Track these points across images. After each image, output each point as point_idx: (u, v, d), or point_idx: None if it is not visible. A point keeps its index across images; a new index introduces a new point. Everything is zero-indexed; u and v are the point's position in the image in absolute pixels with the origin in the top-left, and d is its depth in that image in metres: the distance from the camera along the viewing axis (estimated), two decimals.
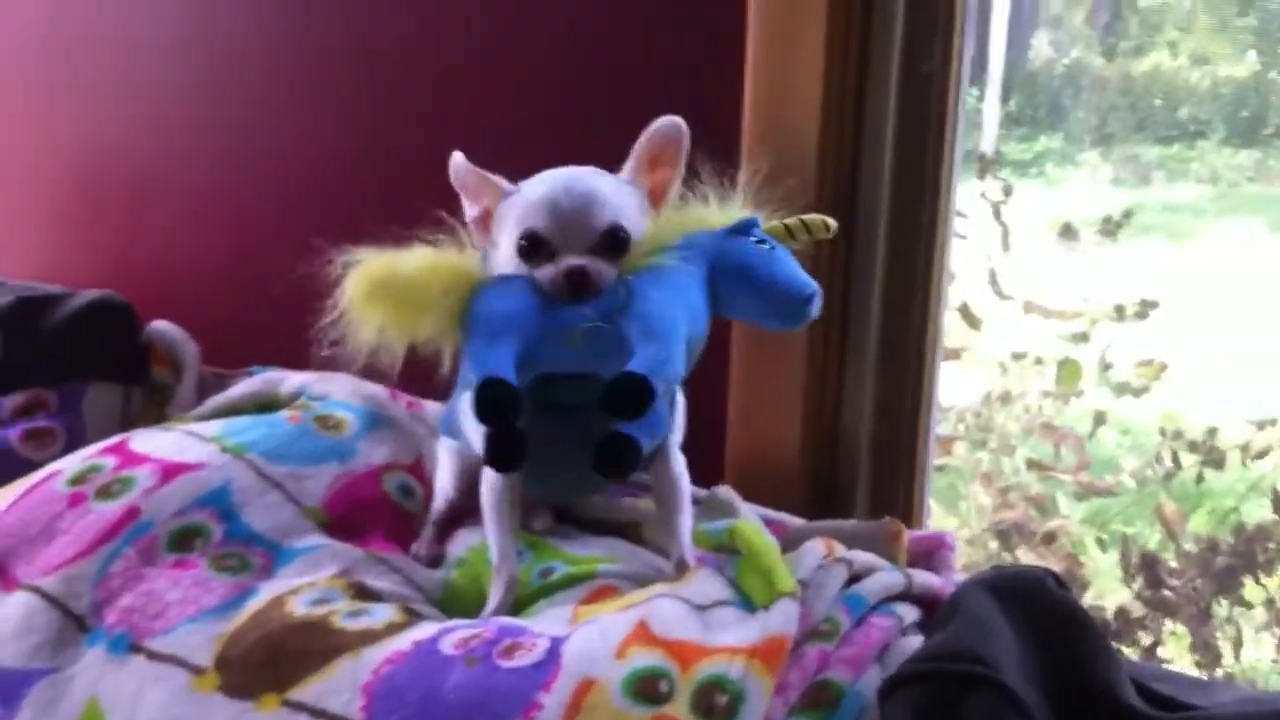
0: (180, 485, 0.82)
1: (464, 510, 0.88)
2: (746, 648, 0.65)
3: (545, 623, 0.73)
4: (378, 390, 0.97)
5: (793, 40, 0.93)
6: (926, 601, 0.77)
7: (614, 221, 0.73)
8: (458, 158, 0.77)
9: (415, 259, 0.73)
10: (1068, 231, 1.43)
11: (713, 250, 0.74)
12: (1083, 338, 1.40)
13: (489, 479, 0.80)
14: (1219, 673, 1.25)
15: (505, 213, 0.75)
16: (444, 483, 0.89)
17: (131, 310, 1.10)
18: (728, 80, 0.95)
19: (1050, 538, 1.32)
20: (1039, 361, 1.43)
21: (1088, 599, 1.29)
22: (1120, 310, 1.38)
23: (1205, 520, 1.38)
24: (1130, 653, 1.24)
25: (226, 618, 0.73)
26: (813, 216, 0.80)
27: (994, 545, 1.38)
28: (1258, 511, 1.32)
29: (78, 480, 0.83)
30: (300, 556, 0.80)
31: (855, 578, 0.75)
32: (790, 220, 0.79)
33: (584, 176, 0.75)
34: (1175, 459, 1.35)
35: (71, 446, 0.93)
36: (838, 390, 0.99)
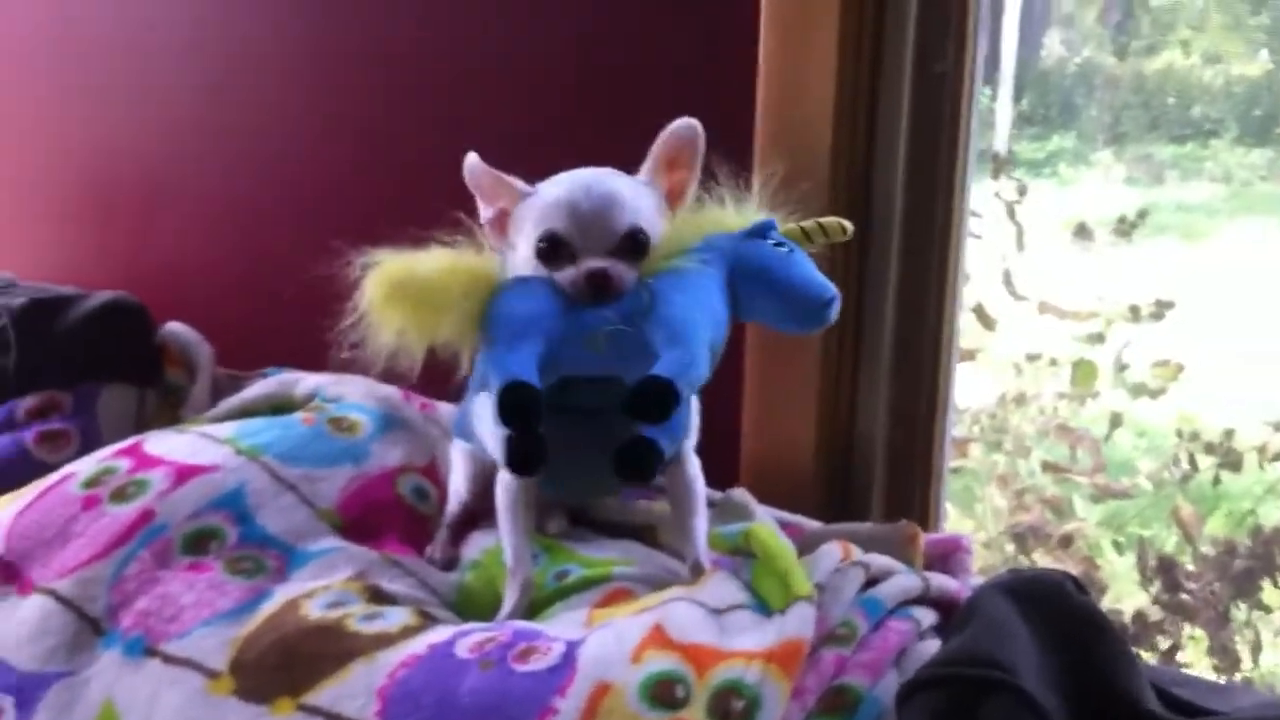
0: (195, 488, 0.82)
1: (478, 513, 0.87)
2: (763, 652, 0.65)
3: (560, 626, 0.73)
4: (391, 392, 0.97)
5: (805, 40, 0.92)
6: (944, 605, 0.76)
7: (634, 223, 0.73)
8: (472, 158, 0.77)
9: (434, 261, 0.73)
10: (1082, 231, 1.42)
11: (731, 253, 0.74)
12: (1098, 338, 1.39)
13: (504, 481, 0.80)
14: (1237, 677, 1.24)
15: (523, 214, 0.75)
16: (458, 485, 0.89)
17: (145, 312, 1.10)
18: (740, 82, 0.95)
19: (1067, 540, 1.31)
20: (1054, 363, 1.42)
21: (1105, 602, 1.28)
22: (1136, 311, 1.37)
23: (1222, 523, 1.37)
24: (1148, 657, 1.24)
25: (241, 621, 0.73)
26: (829, 219, 0.79)
27: (1010, 548, 1.37)
28: (1275, 514, 1.31)
29: (92, 483, 0.83)
30: (315, 559, 0.80)
31: (872, 581, 0.75)
32: (807, 223, 0.79)
33: (603, 178, 0.75)
34: (1192, 461, 1.34)
35: (86, 449, 0.93)
36: (852, 393, 0.99)
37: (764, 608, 0.71)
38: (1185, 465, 1.34)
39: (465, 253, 0.75)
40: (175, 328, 1.11)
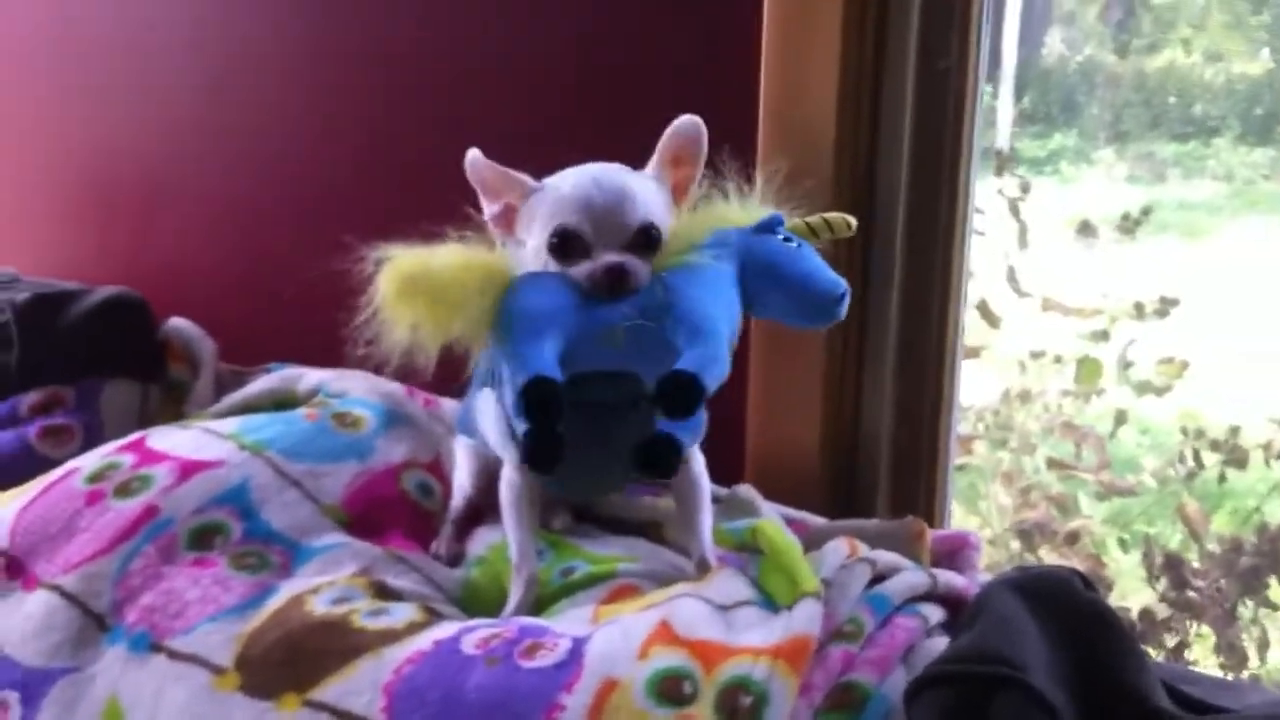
0: (199, 483, 0.82)
1: (483, 508, 0.87)
2: (770, 648, 0.65)
3: (566, 623, 0.73)
4: (395, 388, 0.97)
5: (808, 36, 0.92)
6: (951, 602, 0.76)
7: (647, 219, 0.73)
8: (475, 154, 0.76)
9: (448, 256, 0.72)
10: (1086, 229, 1.42)
11: (742, 248, 0.74)
12: (1103, 336, 1.39)
13: (508, 478, 0.80)
14: (1244, 674, 1.24)
15: (532, 209, 0.75)
16: (462, 481, 0.89)
17: (148, 307, 1.10)
18: (742, 78, 0.95)
19: (1073, 538, 1.31)
20: (1058, 360, 1.42)
21: (1111, 600, 1.28)
22: (1140, 308, 1.37)
23: (1227, 520, 1.36)
24: (1155, 654, 1.23)
25: (246, 617, 0.73)
26: (834, 215, 0.79)
27: (1016, 545, 1.37)
28: None
29: (96, 478, 0.83)
30: (320, 555, 0.80)
31: (879, 578, 0.75)
32: (812, 218, 0.79)
33: (614, 173, 0.75)
34: (1197, 458, 1.33)
35: (89, 444, 0.93)
36: (857, 389, 0.98)
37: (771, 604, 0.71)
38: (1190, 463, 1.34)
39: (477, 248, 0.74)
40: (178, 323, 1.11)
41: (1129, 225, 1.40)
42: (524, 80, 1.07)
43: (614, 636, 0.68)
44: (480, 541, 0.85)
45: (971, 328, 1.20)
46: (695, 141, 0.77)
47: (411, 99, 1.13)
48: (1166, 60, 1.50)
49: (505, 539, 0.80)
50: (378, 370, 0.72)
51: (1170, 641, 1.26)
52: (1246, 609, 1.26)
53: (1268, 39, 1.51)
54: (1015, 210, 1.39)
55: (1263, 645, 1.26)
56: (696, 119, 0.76)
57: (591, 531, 0.87)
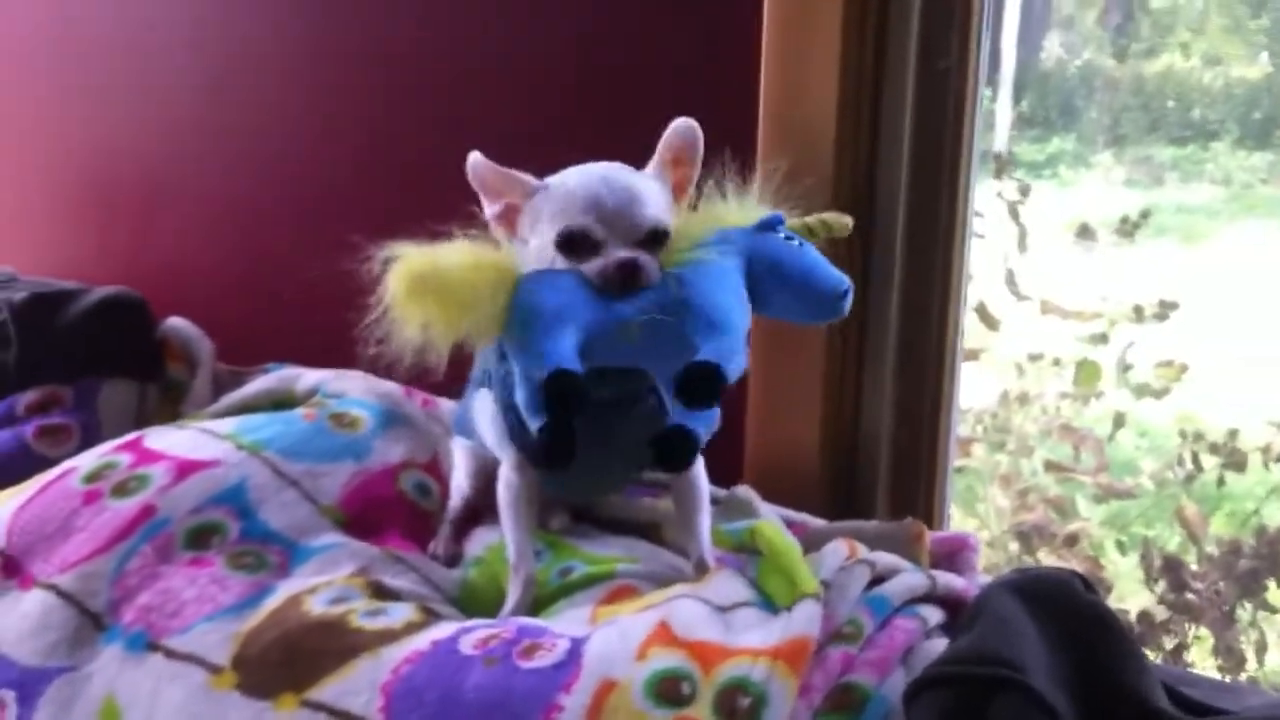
0: (196, 483, 0.82)
1: (481, 508, 0.87)
2: (769, 649, 0.65)
3: (565, 623, 0.73)
4: (393, 388, 0.97)
5: (808, 36, 0.92)
6: (951, 603, 0.76)
7: (656, 217, 0.74)
8: (476, 156, 0.76)
9: (459, 255, 0.71)
10: (1085, 232, 1.42)
11: (747, 246, 0.74)
12: (1101, 339, 1.39)
13: (505, 478, 0.80)
14: (1242, 677, 1.24)
15: (538, 208, 0.75)
16: (459, 481, 0.89)
17: (146, 306, 1.10)
18: (743, 79, 0.95)
19: (1072, 540, 1.31)
20: (1057, 363, 1.42)
21: (1109, 602, 1.27)
22: (1139, 311, 1.37)
23: (1225, 523, 1.37)
24: (1154, 657, 1.23)
25: (243, 617, 0.73)
26: (831, 215, 0.80)
27: (1014, 547, 1.37)
28: (1279, 514, 1.30)
29: (93, 477, 0.83)
30: (317, 555, 0.79)
31: (878, 579, 0.75)
32: (810, 219, 0.79)
33: (621, 172, 0.75)
34: (1196, 461, 1.33)
35: (87, 443, 0.93)
36: (857, 391, 0.98)
37: (770, 605, 0.71)
38: (1189, 465, 1.34)
39: (485, 246, 0.74)
40: (176, 323, 1.11)
41: (1128, 228, 1.41)
42: (524, 80, 1.07)
43: (612, 637, 0.67)
44: (478, 542, 0.85)
45: (970, 330, 1.20)
46: (693, 143, 0.77)
47: (411, 99, 1.13)
48: (1165, 64, 1.51)
49: (503, 539, 0.80)
50: (388, 371, 0.71)
51: (1169, 644, 1.26)
52: (1245, 611, 1.26)
53: (1266, 43, 1.51)
54: (1014, 213, 1.39)
55: (1261, 648, 1.26)
56: (693, 122, 0.77)
57: (590, 532, 0.86)
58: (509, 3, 1.08)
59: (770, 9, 0.93)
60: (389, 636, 0.70)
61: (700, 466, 0.79)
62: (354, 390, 0.96)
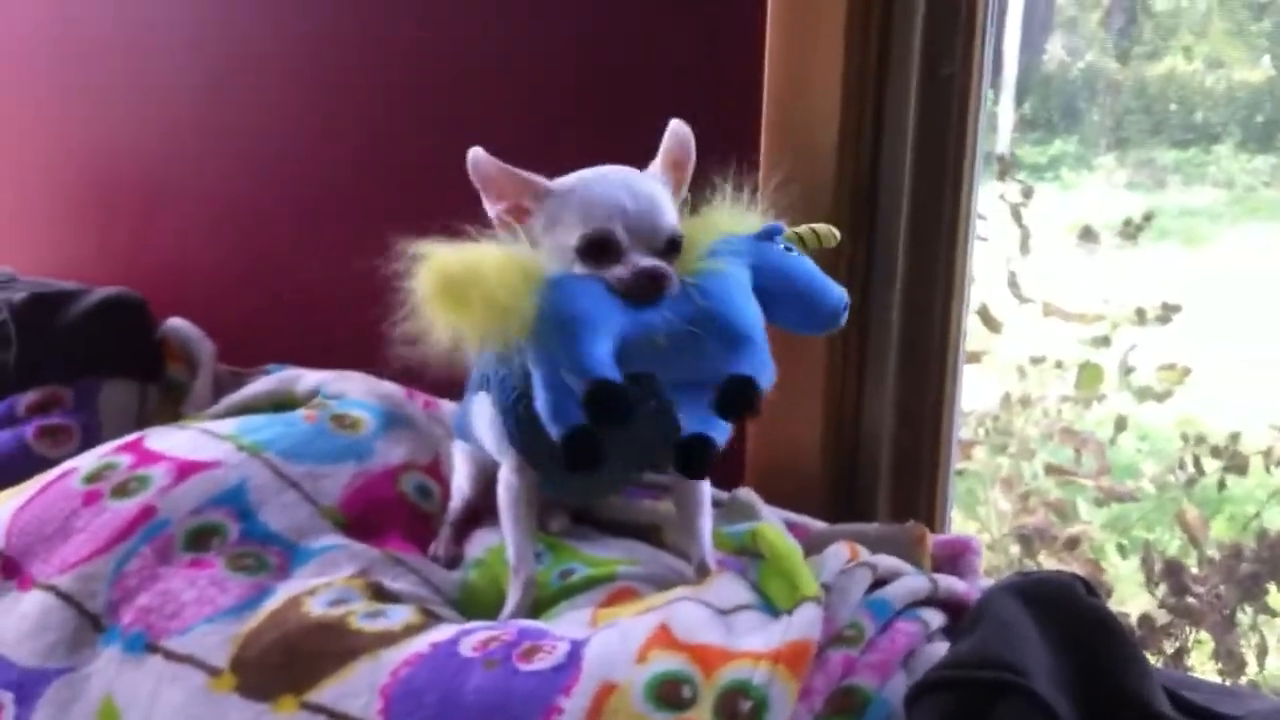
0: (196, 484, 0.82)
1: (481, 510, 0.87)
2: (770, 652, 0.65)
3: (565, 625, 0.72)
4: (394, 389, 0.97)
5: (811, 40, 0.92)
6: (952, 607, 0.76)
7: (673, 224, 0.73)
8: (480, 153, 0.75)
9: (488, 255, 0.69)
10: (1087, 234, 1.42)
11: (753, 255, 0.74)
12: (1104, 341, 1.39)
13: (505, 480, 0.80)
14: (1242, 681, 1.24)
15: (555, 211, 0.73)
16: (460, 483, 0.89)
17: (146, 307, 1.10)
18: (746, 82, 0.95)
19: (1073, 543, 1.30)
20: (1059, 365, 1.42)
21: (1111, 606, 1.27)
22: (1141, 314, 1.37)
23: (1226, 526, 1.36)
24: (1154, 660, 1.23)
25: (243, 618, 0.73)
26: (821, 226, 0.80)
27: (1015, 550, 1.37)
28: None
29: (93, 478, 0.82)
30: (317, 556, 0.79)
31: (880, 582, 0.74)
32: (801, 228, 0.79)
33: (640, 178, 0.74)
34: (1198, 464, 1.33)
35: (87, 444, 0.93)
36: (858, 393, 0.98)
37: (771, 608, 0.71)
38: (1191, 469, 1.34)
39: (511, 245, 0.72)
40: (176, 323, 1.11)
41: (1130, 231, 1.41)
42: (524, 80, 1.07)
43: (612, 640, 0.67)
44: (478, 544, 0.85)
45: (972, 333, 1.20)
46: (689, 147, 0.77)
47: (411, 99, 1.13)
48: (1167, 67, 1.51)
49: (503, 541, 0.79)
50: (413, 375, 0.70)
51: (1169, 647, 1.26)
52: (1246, 615, 1.26)
53: (1268, 46, 1.51)
54: (1017, 216, 1.39)
55: (1262, 652, 1.26)
56: (686, 125, 0.76)
57: (590, 534, 0.86)
58: (509, 3, 1.08)
59: (773, 11, 0.93)
60: (388, 639, 0.69)
61: None
62: (355, 391, 0.96)
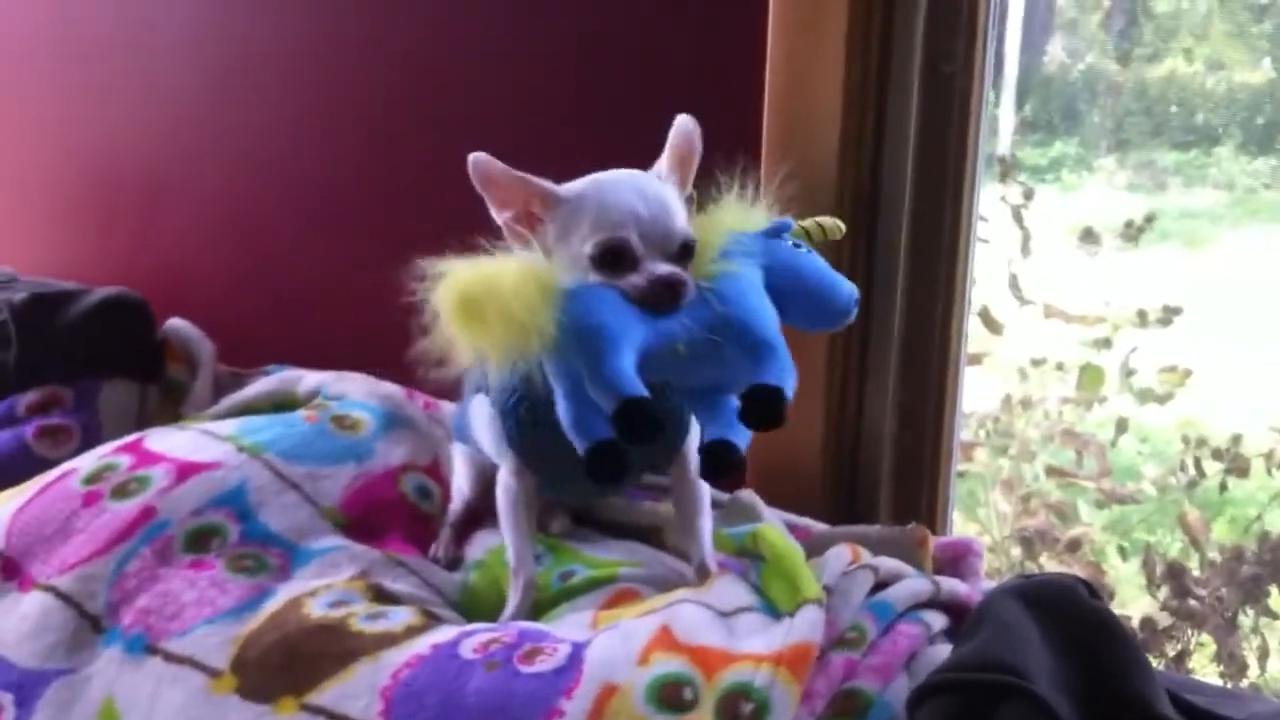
0: (196, 485, 0.81)
1: (481, 512, 0.87)
2: (772, 655, 0.64)
3: (566, 627, 0.72)
4: (395, 390, 0.97)
5: (813, 40, 0.92)
6: (954, 609, 0.75)
7: (685, 228, 0.72)
8: (481, 157, 0.73)
9: (506, 272, 0.68)
10: (1088, 236, 1.42)
11: (764, 253, 0.73)
12: (1105, 343, 1.39)
13: (504, 483, 0.79)
14: (1244, 684, 1.23)
15: (567, 219, 0.72)
16: (460, 484, 0.89)
17: (147, 307, 1.09)
18: (747, 81, 0.94)
19: (1074, 545, 1.30)
20: (1060, 367, 1.42)
21: (1112, 608, 1.27)
22: (1143, 316, 1.37)
23: (1227, 529, 1.36)
24: (1156, 663, 1.23)
25: (243, 620, 0.73)
26: (826, 219, 0.80)
27: (1016, 552, 1.37)
28: None
29: (93, 479, 0.82)
30: (318, 558, 0.79)
31: (881, 584, 0.74)
32: (806, 222, 0.79)
33: (653, 183, 0.74)
34: (1199, 467, 1.33)
35: (87, 444, 0.93)
36: (859, 394, 0.98)
37: (772, 610, 0.71)
38: (1192, 471, 1.34)
39: (525, 257, 0.71)
40: (177, 324, 1.11)
41: (1131, 233, 1.40)
42: (524, 81, 1.07)
43: (614, 642, 0.67)
44: (479, 545, 0.85)
45: (973, 334, 1.20)
46: (695, 143, 0.76)
47: (412, 100, 1.13)
48: (1168, 69, 1.50)
49: (503, 543, 0.79)
50: (448, 393, 0.69)
51: (1171, 650, 1.26)
52: (1247, 618, 1.26)
53: (1269, 48, 1.51)
54: (1018, 217, 1.39)
55: (1263, 654, 1.26)
56: (693, 119, 0.75)
57: (590, 535, 0.86)
58: (509, 3, 1.08)
59: (775, 12, 0.93)
60: (389, 640, 0.69)
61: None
62: (355, 392, 0.96)
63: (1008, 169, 1.40)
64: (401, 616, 0.72)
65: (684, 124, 0.76)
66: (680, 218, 0.72)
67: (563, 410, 0.67)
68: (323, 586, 0.76)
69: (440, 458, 0.93)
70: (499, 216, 0.75)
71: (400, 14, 1.13)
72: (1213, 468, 1.34)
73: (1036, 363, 1.42)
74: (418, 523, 0.87)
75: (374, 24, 1.14)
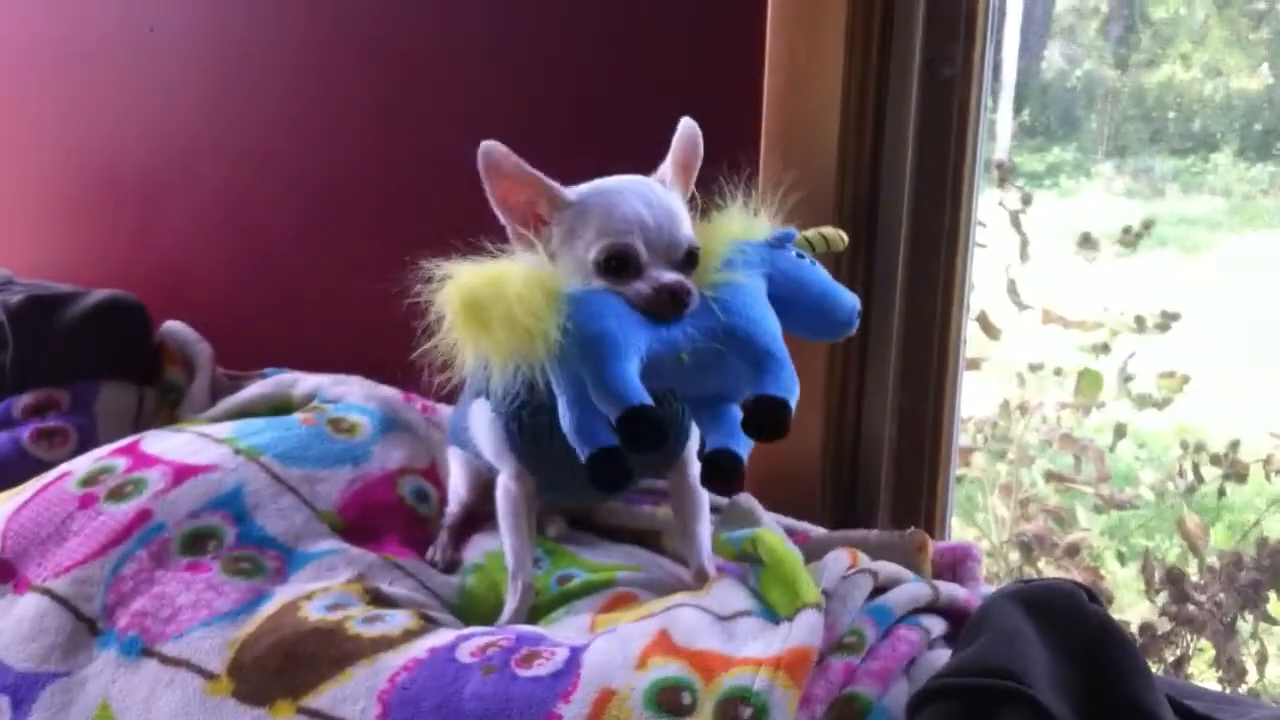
0: (193, 487, 0.81)
1: (478, 514, 0.87)
2: (771, 659, 0.64)
3: (564, 631, 0.72)
4: (392, 393, 0.97)
5: (811, 44, 0.92)
6: (954, 614, 0.75)
7: (690, 235, 0.72)
8: (494, 146, 0.72)
9: (512, 276, 0.67)
10: (1086, 242, 1.42)
11: (768, 263, 0.73)
12: (1103, 349, 1.39)
13: (503, 486, 0.79)
14: (1243, 689, 1.23)
15: (573, 224, 0.72)
16: (457, 487, 0.88)
17: (144, 310, 1.09)
18: (745, 86, 0.94)
19: (1072, 550, 1.30)
20: (1058, 372, 1.42)
21: (1110, 613, 1.27)
22: (1141, 321, 1.37)
23: (1226, 534, 1.36)
24: (1155, 668, 1.23)
25: (239, 622, 0.72)
26: (829, 229, 0.80)
27: (1014, 557, 1.37)
28: None
29: (89, 481, 0.82)
30: (314, 561, 0.79)
31: (881, 589, 0.74)
32: (809, 232, 0.79)
33: (654, 187, 0.73)
34: (1197, 472, 1.33)
35: (83, 447, 0.93)
36: (859, 399, 0.98)
37: (771, 614, 0.71)
38: (1190, 476, 1.34)
39: (531, 262, 0.71)
40: (174, 326, 1.10)
41: (1130, 239, 1.41)
42: (524, 82, 1.07)
43: (612, 646, 0.67)
44: (476, 548, 0.84)
45: (971, 339, 1.20)
46: (697, 147, 0.76)
47: (412, 100, 1.13)
48: (1166, 75, 1.51)
49: (502, 546, 0.79)
50: (449, 396, 0.68)
51: (1170, 655, 1.26)
52: (1246, 623, 1.26)
53: (1267, 55, 1.51)
54: (1016, 223, 1.39)
55: (1262, 660, 1.25)
56: (694, 123, 0.76)
57: (589, 539, 0.86)
58: (509, 4, 1.08)
59: (774, 16, 0.93)
60: (386, 644, 0.69)
61: (698, 473, 0.79)
62: (353, 395, 0.96)
63: (1006, 174, 1.40)
64: (399, 620, 0.72)
65: (687, 129, 0.76)
66: (685, 225, 0.72)
67: (565, 416, 0.67)
68: (320, 589, 0.75)
69: (438, 461, 0.93)
70: (499, 210, 0.74)
71: (400, 14, 1.12)
72: (1211, 473, 1.34)
73: (1035, 368, 1.42)
74: (415, 526, 0.87)
75: (374, 24, 1.14)
